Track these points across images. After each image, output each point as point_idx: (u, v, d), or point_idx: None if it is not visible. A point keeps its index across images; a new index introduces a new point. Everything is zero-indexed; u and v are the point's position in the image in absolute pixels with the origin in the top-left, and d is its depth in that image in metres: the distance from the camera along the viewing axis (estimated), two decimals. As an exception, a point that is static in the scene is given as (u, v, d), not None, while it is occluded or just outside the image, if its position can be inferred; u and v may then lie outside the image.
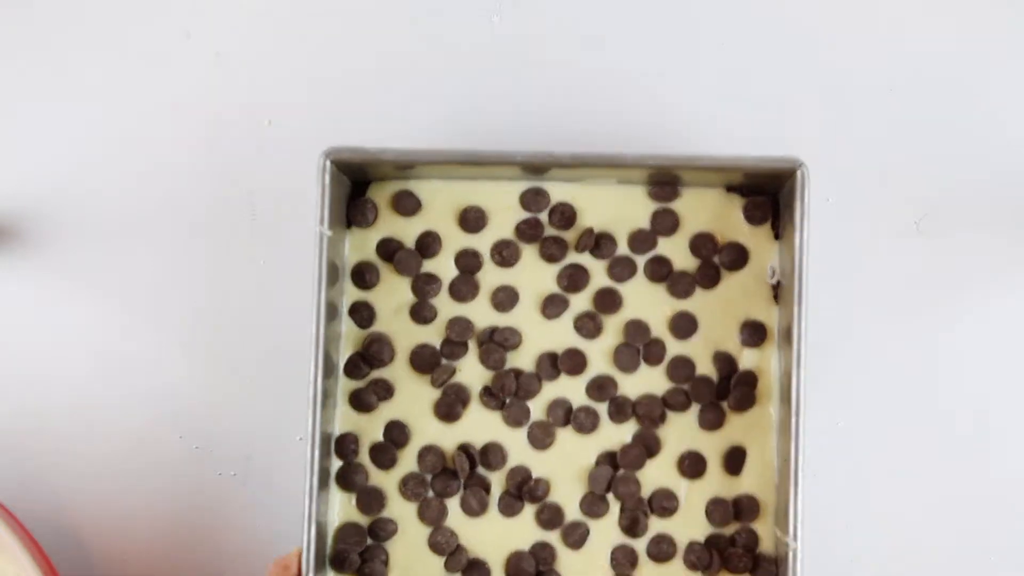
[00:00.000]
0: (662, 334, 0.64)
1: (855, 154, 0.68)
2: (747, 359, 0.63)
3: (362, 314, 0.64)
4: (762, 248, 0.64)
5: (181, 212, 0.68)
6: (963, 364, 0.68)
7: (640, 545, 0.63)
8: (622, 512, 0.63)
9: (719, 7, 0.68)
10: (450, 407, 0.63)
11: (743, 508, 0.63)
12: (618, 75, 0.68)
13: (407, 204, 0.64)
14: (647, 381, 0.64)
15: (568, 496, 0.63)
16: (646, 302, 0.64)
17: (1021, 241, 0.68)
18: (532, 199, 0.64)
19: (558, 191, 0.64)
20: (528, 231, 0.64)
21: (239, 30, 0.69)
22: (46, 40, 0.69)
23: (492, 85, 0.68)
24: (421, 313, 0.64)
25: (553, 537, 0.63)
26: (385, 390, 0.63)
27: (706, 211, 0.64)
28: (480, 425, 0.63)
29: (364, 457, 0.63)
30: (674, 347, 0.64)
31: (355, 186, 0.64)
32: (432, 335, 0.64)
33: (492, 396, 0.63)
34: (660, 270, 0.64)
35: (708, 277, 0.64)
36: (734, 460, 0.63)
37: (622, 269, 0.64)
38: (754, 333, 0.63)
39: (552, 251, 0.64)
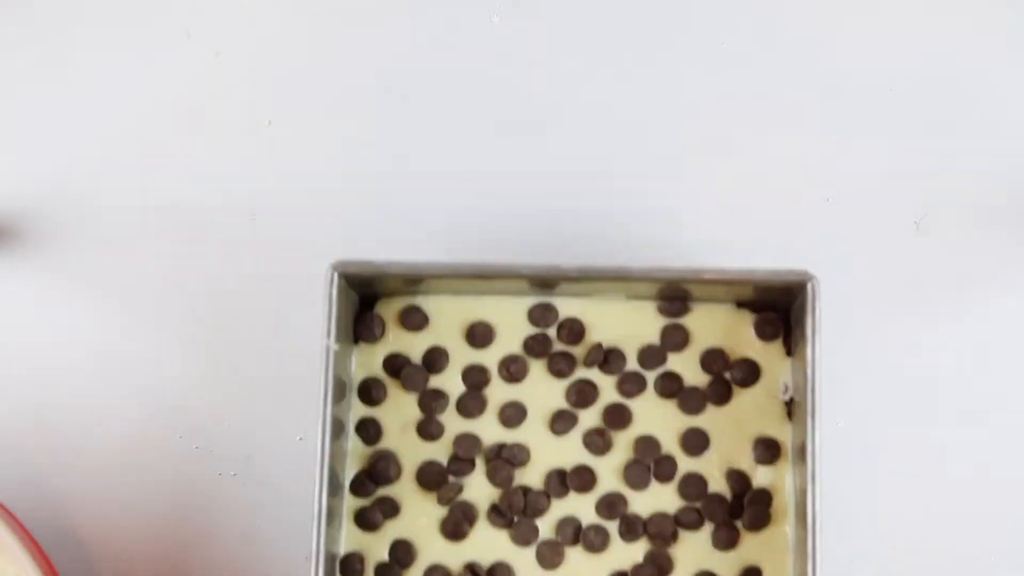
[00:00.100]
0: (673, 450, 0.63)
1: (855, 154, 0.68)
2: (761, 476, 0.62)
3: (369, 431, 0.63)
4: (774, 364, 0.63)
5: (181, 212, 0.68)
6: (963, 364, 0.67)
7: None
8: (634, 634, 0.62)
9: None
10: (457, 525, 0.62)
11: (758, 630, 0.61)
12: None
13: (414, 319, 0.63)
14: (658, 499, 0.62)
15: (578, 617, 0.62)
16: (656, 418, 0.63)
17: (1022, 241, 0.68)
18: (540, 314, 0.63)
19: (566, 306, 0.63)
20: (536, 346, 0.63)
21: (239, 30, 0.69)
22: (46, 40, 0.69)
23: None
24: (428, 430, 0.63)
25: (562, 659, 0.62)
26: (391, 508, 0.62)
27: (716, 327, 0.63)
28: (487, 544, 0.62)
29: (369, 577, 0.62)
30: (686, 464, 0.62)
31: (362, 301, 0.64)
32: (439, 452, 0.63)
33: (500, 514, 0.62)
34: (670, 386, 0.63)
35: (719, 393, 0.63)
36: (749, 581, 0.62)
37: (632, 385, 0.63)
38: (767, 450, 0.62)
39: (561, 366, 0.63)
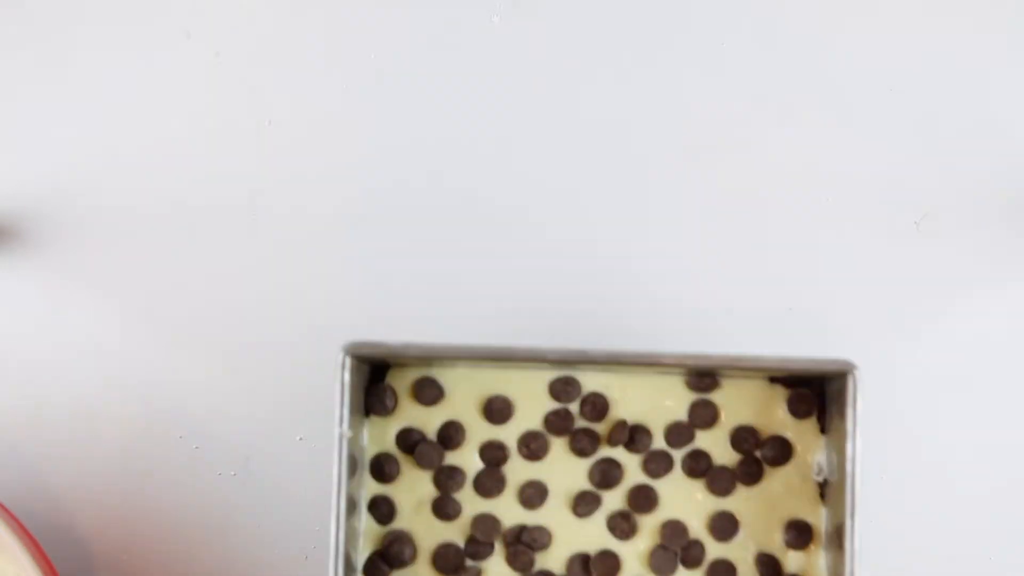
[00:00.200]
0: (701, 535, 0.60)
1: (855, 154, 0.68)
2: (792, 562, 0.60)
3: (382, 510, 0.60)
4: (807, 442, 0.60)
5: (181, 212, 0.68)
6: (963, 364, 0.67)
7: None
8: None
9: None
10: (477, 615, 0.60)
11: None
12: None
13: (429, 393, 0.61)
14: (686, 586, 0.60)
15: None
16: (684, 500, 0.60)
17: (1022, 241, 0.68)
18: (562, 389, 0.61)
19: (590, 380, 0.61)
20: (557, 423, 0.60)
21: (239, 30, 0.69)
22: (46, 40, 0.69)
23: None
24: (444, 509, 0.60)
25: None
26: (407, 593, 0.60)
27: (747, 403, 0.61)
28: (508, 634, 0.60)
29: (384, 665, 0.60)
30: (714, 549, 0.60)
31: (373, 370, 0.61)
32: (456, 533, 0.60)
33: (521, 603, 0.60)
34: (699, 465, 0.60)
35: (750, 473, 0.60)
36: (779, 670, 0.60)
37: (658, 464, 0.60)
38: (800, 534, 0.60)
39: (583, 444, 0.60)
